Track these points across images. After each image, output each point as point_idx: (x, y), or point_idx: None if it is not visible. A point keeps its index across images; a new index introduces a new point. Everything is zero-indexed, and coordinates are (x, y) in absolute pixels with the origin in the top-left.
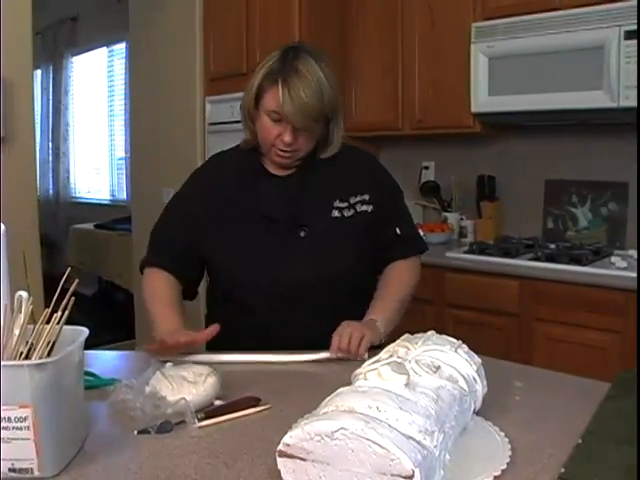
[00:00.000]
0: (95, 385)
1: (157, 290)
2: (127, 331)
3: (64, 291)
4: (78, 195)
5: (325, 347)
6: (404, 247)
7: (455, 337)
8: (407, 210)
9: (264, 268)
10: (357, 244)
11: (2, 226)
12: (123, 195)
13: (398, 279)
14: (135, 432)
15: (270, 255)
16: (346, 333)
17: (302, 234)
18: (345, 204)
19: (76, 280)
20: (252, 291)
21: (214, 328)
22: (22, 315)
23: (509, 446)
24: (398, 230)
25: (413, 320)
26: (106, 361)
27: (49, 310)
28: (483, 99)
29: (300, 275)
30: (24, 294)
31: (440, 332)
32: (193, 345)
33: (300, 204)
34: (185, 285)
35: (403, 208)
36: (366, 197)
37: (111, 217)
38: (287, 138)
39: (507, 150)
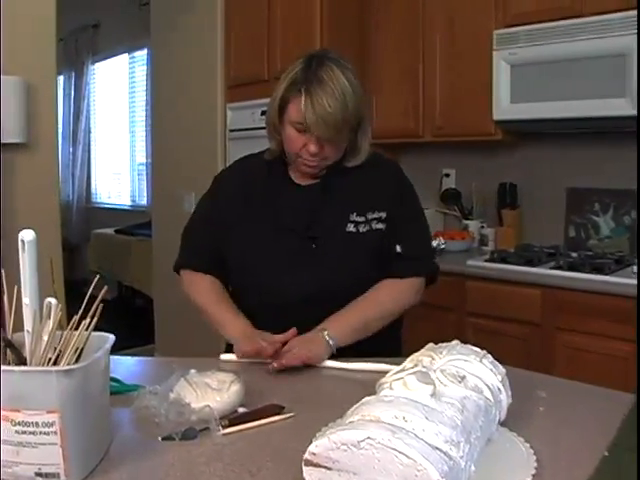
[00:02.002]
0: (119, 391)
1: (210, 293)
2: (147, 336)
3: (88, 297)
4: (99, 200)
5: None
6: (399, 267)
7: (476, 346)
8: (421, 229)
9: (271, 275)
10: (367, 261)
11: (32, 233)
12: (143, 200)
13: (372, 299)
14: (159, 438)
15: (279, 263)
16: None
17: (314, 245)
18: (362, 219)
19: (105, 287)
20: (258, 297)
21: (293, 331)
22: (51, 322)
23: (534, 457)
24: (398, 248)
25: (433, 328)
26: (129, 367)
27: (77, 316)
28: (505, 106)
29: (305, 286)
30: (53, 301)
31: (460, 340)
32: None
33: (317, 214)
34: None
35: (416, 226)
36: (383, 215)
37: (131, 222)
38: (312, 148)
39: (529, 158)
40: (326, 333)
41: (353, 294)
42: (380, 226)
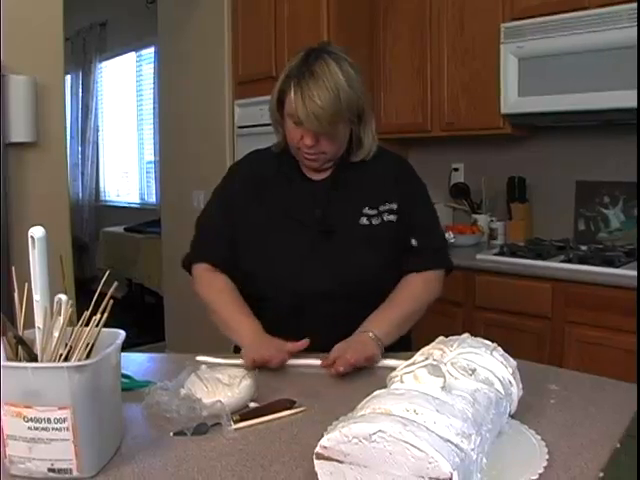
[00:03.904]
0: (130, 387)
1: (222, 293)
2: (156, 333)
3: (98, 294)
4: (108, 198)
5: None
6: (420, 260)
7: (486, 339)
8: (434, 222)
9: (286, 269)
10: (381, 253)
11: (41, 229)
12: (152, 198)
13: (406, 293)
14: (171, 434)
15: (294, 257)
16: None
17: (329, 240)
18: (374, 212)
19: (115, 283)
20: (273, 291)
21: (305, 342)
22: (61, 318)
23: (546, 450)
24: (414, 242)
25: (443, 323)
26: (140, 363)
27: (88, 313)
28: (513, 100)
29: (322, 280)
30: (63, 297)
31: (471, 334)
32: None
33: (330, 208)
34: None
35: (428, 219)
36: (394, 206)
37: (140, 220)
38: (307, 141)
39: (537, 151)
40: (371, 334)
41: (369, 287)
42: (392, 217)
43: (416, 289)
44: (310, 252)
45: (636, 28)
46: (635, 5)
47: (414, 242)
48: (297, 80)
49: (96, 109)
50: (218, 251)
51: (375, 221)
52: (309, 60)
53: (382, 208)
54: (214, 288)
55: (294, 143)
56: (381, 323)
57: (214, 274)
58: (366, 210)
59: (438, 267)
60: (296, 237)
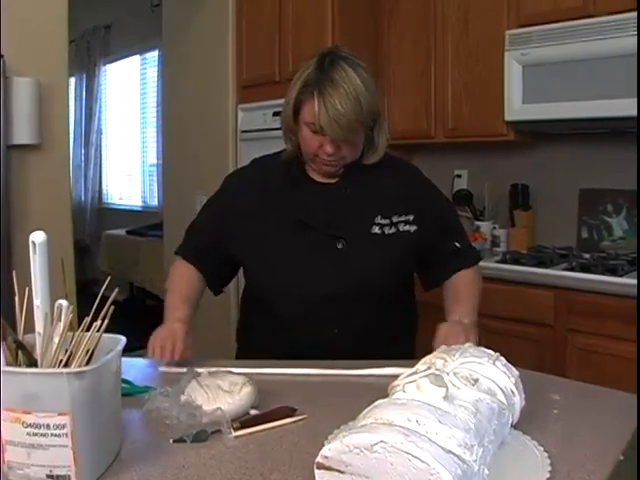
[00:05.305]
0: (130, 393)
1: (178, 279)
2: None
3: (96, 296)
4: (110, 201)
5: (353, 359)
6: (463, 259)
7: (488, 348)
8: (460, 221)
9: (293, 275)
10: (394, 262)
11: (42, 234)
12: (154, 202)
13: (466, 282)
14: (171, 441)
15: (300, 263)
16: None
17: (339, 246)
18: (387, 221)
19: (116, 289)
20: (279, 297)
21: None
22: (62, 323)
23: (548, 461)
24: (457, 244)
25: None
26: (140, 368)
27: (89, 318)
28: (517, 107)
29: (330, 285)
30: (64, 303)
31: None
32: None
33: (340, 214)
34: (209, 281)
35: (457, 220)
36: (410, 217)
37: (142, 223)
38: (329, 149)
39: (541, 158)
40: (467, 322)
41: (373, 290)
42: (408, 228)
43: (472, 279)
44: (316, 258)
45: None
46: None
47: (458, 244)
48: (318, 89)
49: (99, 112)
50: (192, 253)
51: (388, 230)
52: (324, 66)
53: (396, 219)
54: (176, 270)
55: (312, 151)
56: (468, 312)
57: (182, 264)
58: (378, 219)
59: (476, 262)
60: (301, 242)
